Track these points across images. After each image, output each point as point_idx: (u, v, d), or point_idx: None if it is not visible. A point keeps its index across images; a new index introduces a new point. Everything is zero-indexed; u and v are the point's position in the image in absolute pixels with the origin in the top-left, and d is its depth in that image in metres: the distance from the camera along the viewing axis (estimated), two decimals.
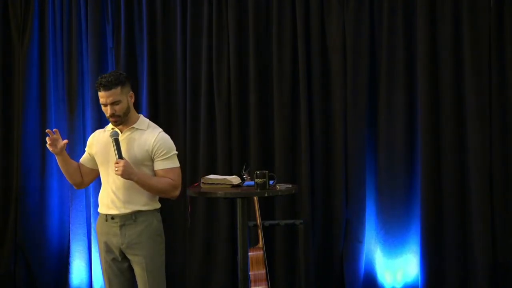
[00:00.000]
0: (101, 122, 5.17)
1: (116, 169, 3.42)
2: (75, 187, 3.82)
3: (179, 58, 5.31)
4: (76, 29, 5.41)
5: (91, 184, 5.28)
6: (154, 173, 3.58)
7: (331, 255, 5.16)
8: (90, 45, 5.38)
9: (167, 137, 3.63)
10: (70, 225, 5.44)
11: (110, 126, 3.67)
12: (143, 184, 3.50)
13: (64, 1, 5.44)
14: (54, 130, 3.57)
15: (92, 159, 3.68)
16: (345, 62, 5.13)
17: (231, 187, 3.99)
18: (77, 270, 5.43)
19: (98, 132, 3.74)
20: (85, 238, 5.42)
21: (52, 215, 5.47)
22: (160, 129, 3.65)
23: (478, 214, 4.93)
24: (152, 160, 3.57)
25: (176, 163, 3.61)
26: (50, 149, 3.54)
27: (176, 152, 3.64)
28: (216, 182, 4.00)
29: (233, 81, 5.23)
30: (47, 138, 3.54)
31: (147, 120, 3.68)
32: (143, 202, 3.57)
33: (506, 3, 4.94)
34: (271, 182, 3.96)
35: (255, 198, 4.78)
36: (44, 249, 5.43)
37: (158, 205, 3.65)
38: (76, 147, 5.37)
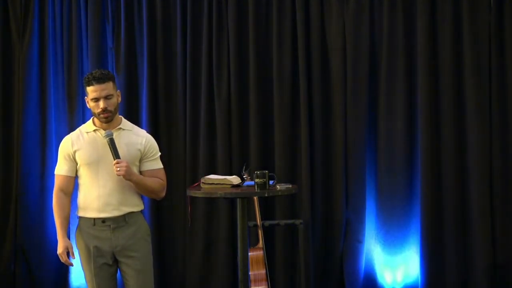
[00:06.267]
0: None
1: (118, 169, 3.36)
2: None
3: (179, 58, 5.31)
4: (76, 29, 5.40)
5: None
6: (141, 173, 3.56)
7: (331, 255, 5.16)
8: (90, 45, 5.37)
9: (152, 137, 3.66)
10: (70, 225, 5.42)
11: (88, 127, 3.58)
12: (140, 185, 3.48)
13: (64, 1, 5.43)
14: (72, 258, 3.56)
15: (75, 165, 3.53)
16: (345, 62, 5.13)
17: (231, 187, 3.99)
18: (77, 270, 5.42)
19: (76, 135, 3.59)
20: None
21: (52, 215, 5.43)
22: (144, 129, 3.68)
23: (478, 214, 4.93)
24: (140, 160, 3.55)
25: (161, 164, 3.65)
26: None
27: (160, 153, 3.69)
28: (216, 182, 4.00)
29: (233, 81, 5.22)
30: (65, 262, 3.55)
31: (127, 120, 3.68)
32: (135, 203, 3.55)
33: (506, 3, 4.95)
34: (271, 182, 3.95)
35: (255, 198, 4.78)
36: (44, 249, 5.41)
37: (143, 206, 3.65)
38: None
